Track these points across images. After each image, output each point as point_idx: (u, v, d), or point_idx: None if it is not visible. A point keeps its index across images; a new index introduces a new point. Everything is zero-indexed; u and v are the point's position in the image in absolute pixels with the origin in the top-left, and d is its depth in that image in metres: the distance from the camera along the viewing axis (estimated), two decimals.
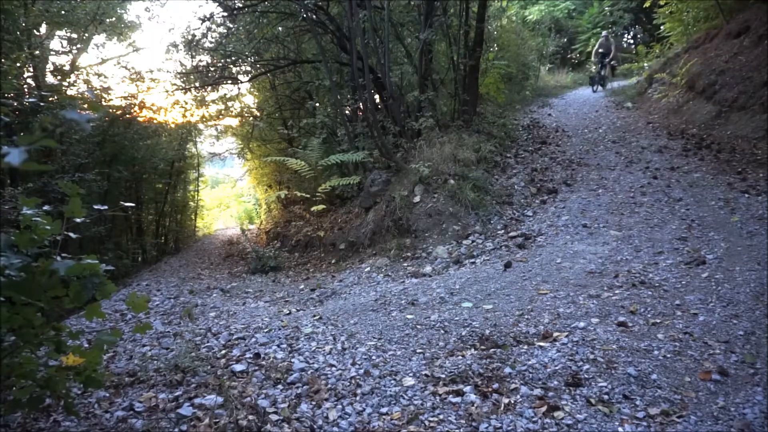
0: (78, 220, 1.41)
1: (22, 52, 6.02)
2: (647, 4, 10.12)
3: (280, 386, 1.79)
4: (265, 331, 2.39)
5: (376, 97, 6.20)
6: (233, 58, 7.62)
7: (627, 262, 2.98)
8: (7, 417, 1.43)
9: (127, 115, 8.00)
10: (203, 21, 6.95)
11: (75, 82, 7.60)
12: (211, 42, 7.57)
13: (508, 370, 1.82)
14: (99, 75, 8.14)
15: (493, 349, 2.01)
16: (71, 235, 1.46)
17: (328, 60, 6.25)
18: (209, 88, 8.16)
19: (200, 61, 7.99)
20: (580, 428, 1.48)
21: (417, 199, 4.62)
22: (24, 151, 0.77)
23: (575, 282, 2.73)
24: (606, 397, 1.62)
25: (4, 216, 4.13)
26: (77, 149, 6.50)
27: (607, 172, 5.16)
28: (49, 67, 7.67)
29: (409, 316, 2.51)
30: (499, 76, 8.10)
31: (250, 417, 1.55)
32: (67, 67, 8.06)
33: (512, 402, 1.62)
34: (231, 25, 7.36)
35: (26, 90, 6.56)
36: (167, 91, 8.06)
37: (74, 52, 8.97)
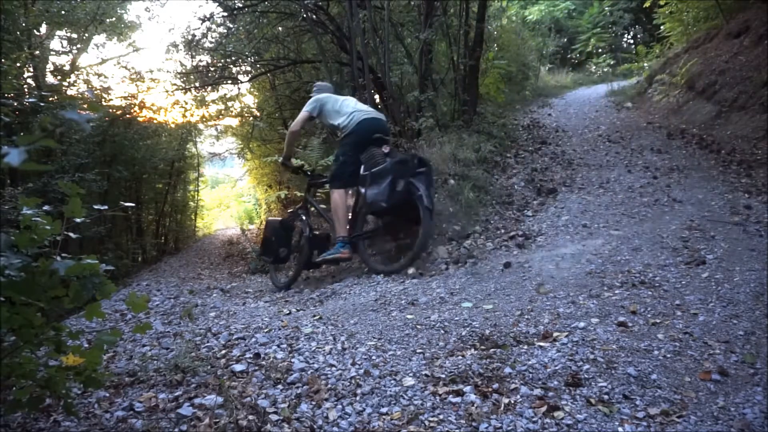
0: (78, 220, 1.40)
1: (22, 52, 6.02)
2: (647, 4, 10.14)
3: (280, 386, 1.79)
4: (265, 331, 2.39)
5: (376, 97, 6.20)
6: (233, 58, 7.63)
7: (627, 262, 2.98)
8: (7, 417, 1.43)
9: (127, 115, 8.02)
10: (203, 21, 6.97)
11: (75, 82, 7.61)
12: (211, 42, 7.59)
13: (508, 370, 1.82)
14: (99, 75, 8.17)
15: (493, 349, 2.01)
16: (71, 235, 1.46)
17: (328, 60, 6.26)
18: (209, 88, 8.18)
19: (200, 61, 8.01)
20: (580, 428, 1.48)
21: None
22: (24, 151, 0.77)
23: (575, 282, 2.73)
24: (606, 397, 1.62)
25: (4, 216, 4.14)
26: (77, 149, 6.51)
27: (607, 172, 5.16)
28: (49, 67, 7.68)
29: (409, 316, 2.51)
30: (499, 76, 8.10)
31: (250, 417, 1.55)
32: (67, 67, 8.07)
33: (512, 402, 1.62)
34: (231, 25, 7.37)
35: (26, 90, 6.56)
36: (167, 91, 8.08)
37: (74, 52, 8.99)
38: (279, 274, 4.44)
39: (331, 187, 3.85)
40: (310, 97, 4.06)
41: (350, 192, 3.87)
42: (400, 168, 3.44)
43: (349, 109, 3.80)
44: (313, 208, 4.28)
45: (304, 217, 4.14)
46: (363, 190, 3.59)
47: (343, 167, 3.75)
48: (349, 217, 3.79)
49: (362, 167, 3.66)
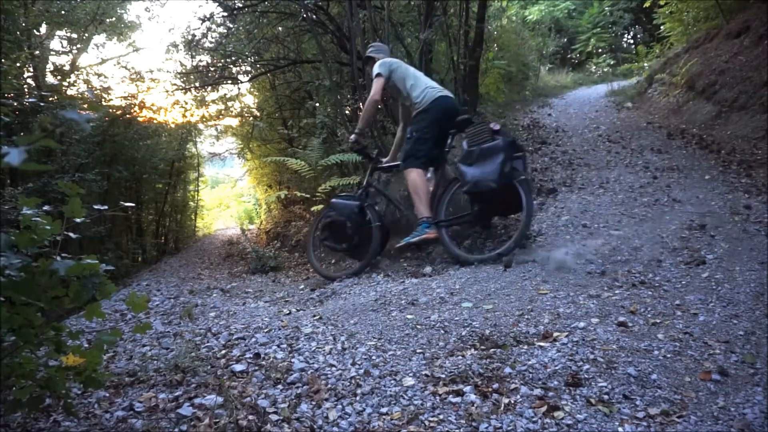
0: (78, 220, 1.41)
1: (22, 52, 6.02)
2: (647, 4, 10.15)
3: (280, 386, 1.79)
4: (265, 331, 2.39)
5: None
6: (233, 58, 7.62)
7: (627, 262, 2.98)
8: (7, 417, 1.43)
9: (127, 115, 8.01)
10: (203, 21, 6.96)
11: (75, 82, 7.61)
12: (211, 42, 7.58)
13: (508, 370, 1.82)
14: (99, 75, 8.16)
15: (493, 349, 2.01)
16: (71, 235, 1.46)
17: (328, 60, 6.25)
18: (209, 88, 8.17)
19: (200, 61, 8.00)
20: (580, 428, 1.48)
21: None
22: (24, 151, 0.77)
23: (575, 282, 2.73)
24: (606, 397, 1.62)
25: (4, 216, 4.14)
26: (77, 149, 6.50)
27: (606, 172, 5.16)
28: (49, 67, 7.68)
29: (409, 316, 2.51)
30: (499, 76, 8.11)
31: (250, 417, 1.55)
32: (67, 67, 8.07)
33: (512, 402, 1.62)
34: (231, 25, 7.37)
35: (26, 90, 6.56)
36: (167, 91, 8.07)
37: (74, 52, 8.99)
38: (324, 264, 4.11)
39: (406, 167, 3.55)
40: (371, 59, 3.85)
41: (428, 175, 3.62)
42: (510, 148, 3.26)
43: (421, 83, 3.59)
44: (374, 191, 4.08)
45: (371, 203, 3.96)
46: (465, 169, 3.32)
47: (418, 145, 3.50)
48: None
49: (465, 142, 3.40)
